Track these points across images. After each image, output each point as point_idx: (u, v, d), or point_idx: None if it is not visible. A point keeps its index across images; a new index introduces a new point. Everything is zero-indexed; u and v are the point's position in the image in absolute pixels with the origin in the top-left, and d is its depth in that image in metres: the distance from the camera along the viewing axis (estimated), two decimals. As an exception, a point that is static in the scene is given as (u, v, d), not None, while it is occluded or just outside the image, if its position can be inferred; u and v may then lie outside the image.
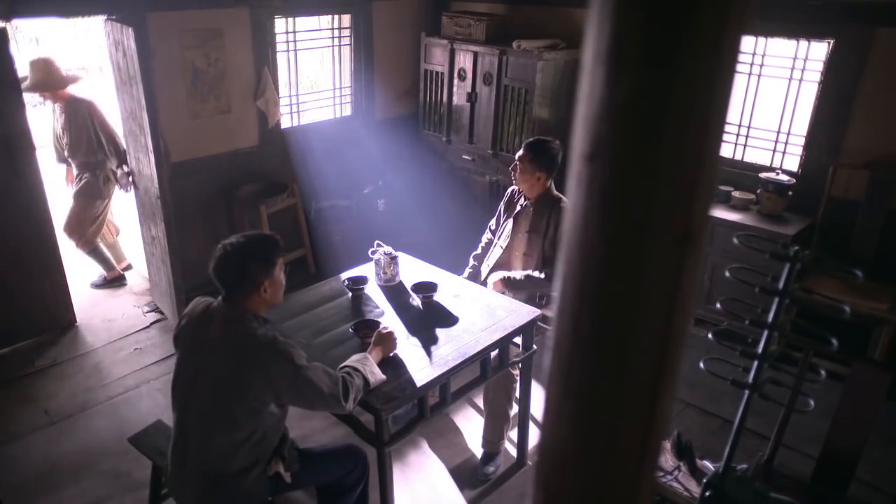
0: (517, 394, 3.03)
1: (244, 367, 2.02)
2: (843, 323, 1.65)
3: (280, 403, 2.13)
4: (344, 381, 2.14)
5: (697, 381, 3.47)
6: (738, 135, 4.20)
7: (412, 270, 3.15)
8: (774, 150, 4.10)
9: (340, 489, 2.42)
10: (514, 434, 3.18)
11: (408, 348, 2.55)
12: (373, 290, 3.00)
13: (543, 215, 3.07)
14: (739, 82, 3.40)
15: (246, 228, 4.32)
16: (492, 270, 3.24)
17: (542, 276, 3.04)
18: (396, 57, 5.28)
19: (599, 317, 0.52)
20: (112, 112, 4.30)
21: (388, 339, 2.45)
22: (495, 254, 3.25)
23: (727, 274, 1.70)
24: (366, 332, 2.54)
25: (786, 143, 4.05)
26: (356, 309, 2.86)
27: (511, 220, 3.20)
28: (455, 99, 4.95)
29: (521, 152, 3.06)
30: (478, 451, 3.16)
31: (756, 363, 1.64)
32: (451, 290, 2.98)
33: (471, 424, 3.39)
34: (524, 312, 2.81)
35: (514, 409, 3.09)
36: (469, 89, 4.80)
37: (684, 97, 0.45)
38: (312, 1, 4.73)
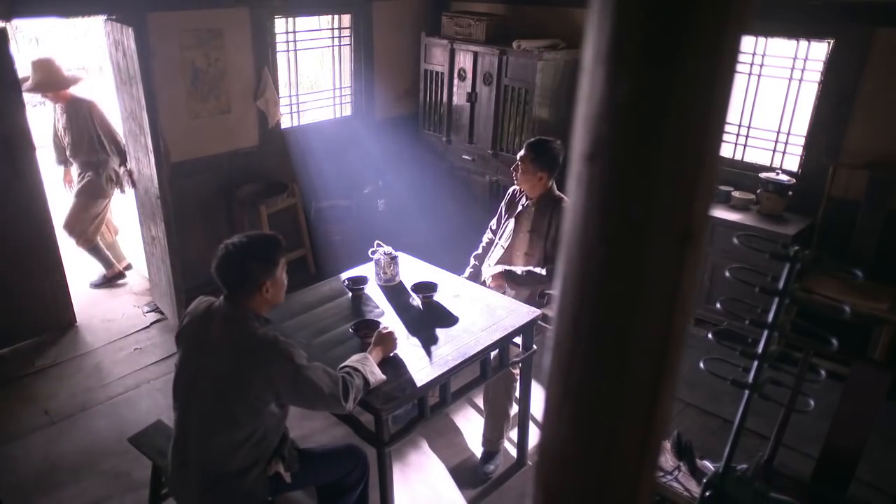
0: (517, 393, 3.03)
1: (245, 367, 2.03)
2: (843, 323, 1.65)
3: (280, 403, 2.14)
4: (344, 381, 2.14)
5: (697, 381, 3.47)
6: (738, 135, 4.20)
7: (412, 270, 3.15)
8: (774, 150, 4.10)
9: (340, 489, 2.42)
10: (514, 434, 3.18)
11: (408, 348, 2.55)
12: (373, 290, 3.00)
13: (545, 215, 3.07)
14: (739, 82, 3.40)
15: (246, 228, 4.32)
16: (492, 270, 3.24)
17: (544, 272, 3.03)
18: (396, 57, 5.28)
19: (599, 317, 0.52)
20: (112, 112, 4.30)
21: (389, 339, 2.45)
22: (496, 253, 3.25)
23: (727, 274, 1.70)
24: (366, 332, 2.54)
25: (786, 143, 4.05)
26: (356, 309, 2.86)
27: (512, 220, 3.20)
28: (455, 99, 4.95)
29: (522, 152, 3.06)
30: (478, 451, 3.16)
31: (756, 363, 1.64)
32: (451, 290, 2.98)
33: (471, 424, 3.39)
34: (524, 312, 2.81)
35: (514, 408, 3.09)
36: (469, 89, 4.80)
37: (684, 97, 0.45)
38: (312, 1, 4.73)
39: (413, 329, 2.69)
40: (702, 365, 1.71)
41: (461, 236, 4.53)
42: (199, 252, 4.30)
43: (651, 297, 0.50)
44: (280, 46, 4.64)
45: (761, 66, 4.01)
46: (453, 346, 2.56)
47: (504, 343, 2.70)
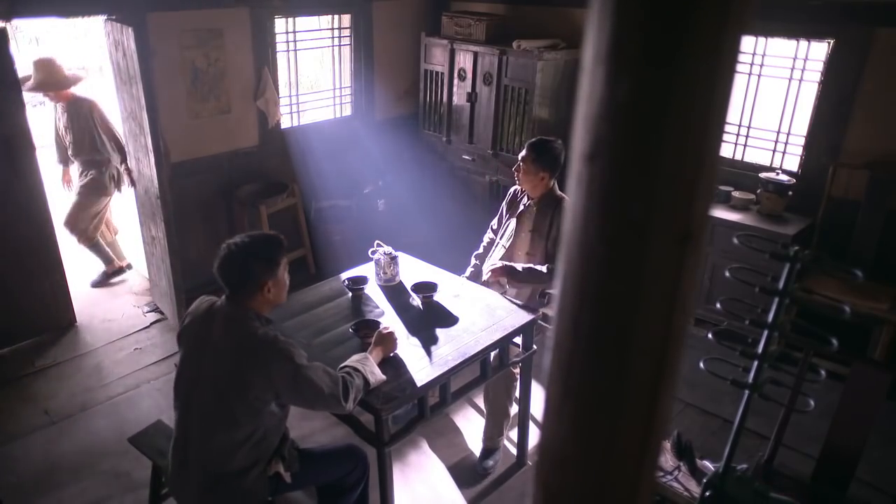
0: (517, 393, 3.03)
1: (245, 367, 2.03)
2: (843, 323, 1.65)
3: (280, 403, 2.14)
4: (344, 381, 2.14)
5: (697, 381, 3.47)
6: (738, 135, 4.20)
7: (412, 270, 3.15)
8: (774, 150, 4.10)
9: (340, 489, 2.42)
10: (514, 434, 3.18)
11: (408, 348, 2.55)
12: (373, 290, 3.00)
13: (546, 215, 3.07)
14: (739, 82, 3.40)
15: (246, 228, 4.32)
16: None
17: (545, 270, 3.03)
18: (396, 57, 5.28)
19: (599, 317, 0.52)
20: (112, 112, 4.31)
21: (389, 339, 2.45)
22: (498, 253, 3.25)
23: (727, 274, 1.70)
24: (366, 332, 2.55)
25: (786, 143, 4.05)
26: (356, 309, 2.86)
27: (514, 220, 3.20)
28: (455, 99, 4.95)
29: (524, 152, 3.06)
30: (478, 451, 3.16)
31: (756, 363, 1.64)
32: (451, 290, 2.98)
33: (471, 424, 3.39)
34: (524, 312, 2.81)
35: (515, 408, 3.09)
36: (469, 89, 4.80)
37: (684, 97, 0.45)
38: (312, 1, 4.73)
39: (413, 329, 2.69)
40: (702, 365, 1.71)
41: (461, 236, 4.53)
42: (199, 252, 4.31)
43: (651, 297, 0.50)
44: (280, 46, 4.64)
45: (761, 66, 4.01)
46: (453, 346, 2.56)
47: (504, 343, 2.70)
